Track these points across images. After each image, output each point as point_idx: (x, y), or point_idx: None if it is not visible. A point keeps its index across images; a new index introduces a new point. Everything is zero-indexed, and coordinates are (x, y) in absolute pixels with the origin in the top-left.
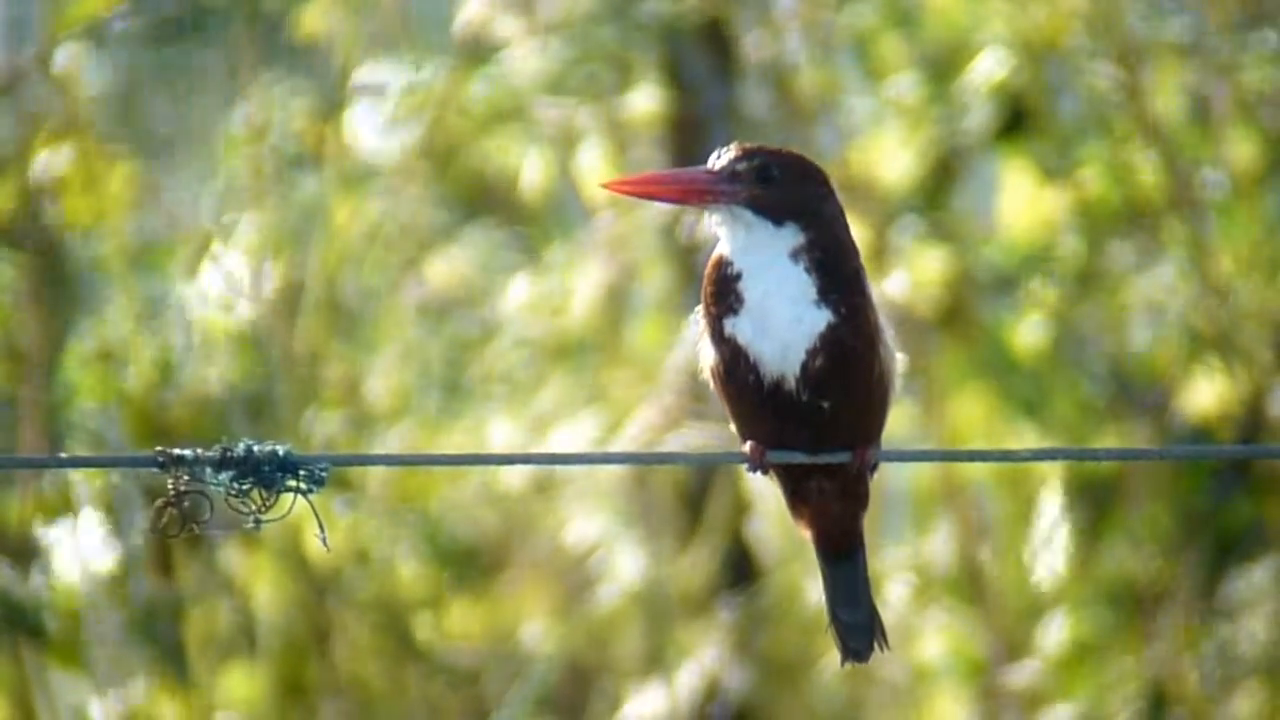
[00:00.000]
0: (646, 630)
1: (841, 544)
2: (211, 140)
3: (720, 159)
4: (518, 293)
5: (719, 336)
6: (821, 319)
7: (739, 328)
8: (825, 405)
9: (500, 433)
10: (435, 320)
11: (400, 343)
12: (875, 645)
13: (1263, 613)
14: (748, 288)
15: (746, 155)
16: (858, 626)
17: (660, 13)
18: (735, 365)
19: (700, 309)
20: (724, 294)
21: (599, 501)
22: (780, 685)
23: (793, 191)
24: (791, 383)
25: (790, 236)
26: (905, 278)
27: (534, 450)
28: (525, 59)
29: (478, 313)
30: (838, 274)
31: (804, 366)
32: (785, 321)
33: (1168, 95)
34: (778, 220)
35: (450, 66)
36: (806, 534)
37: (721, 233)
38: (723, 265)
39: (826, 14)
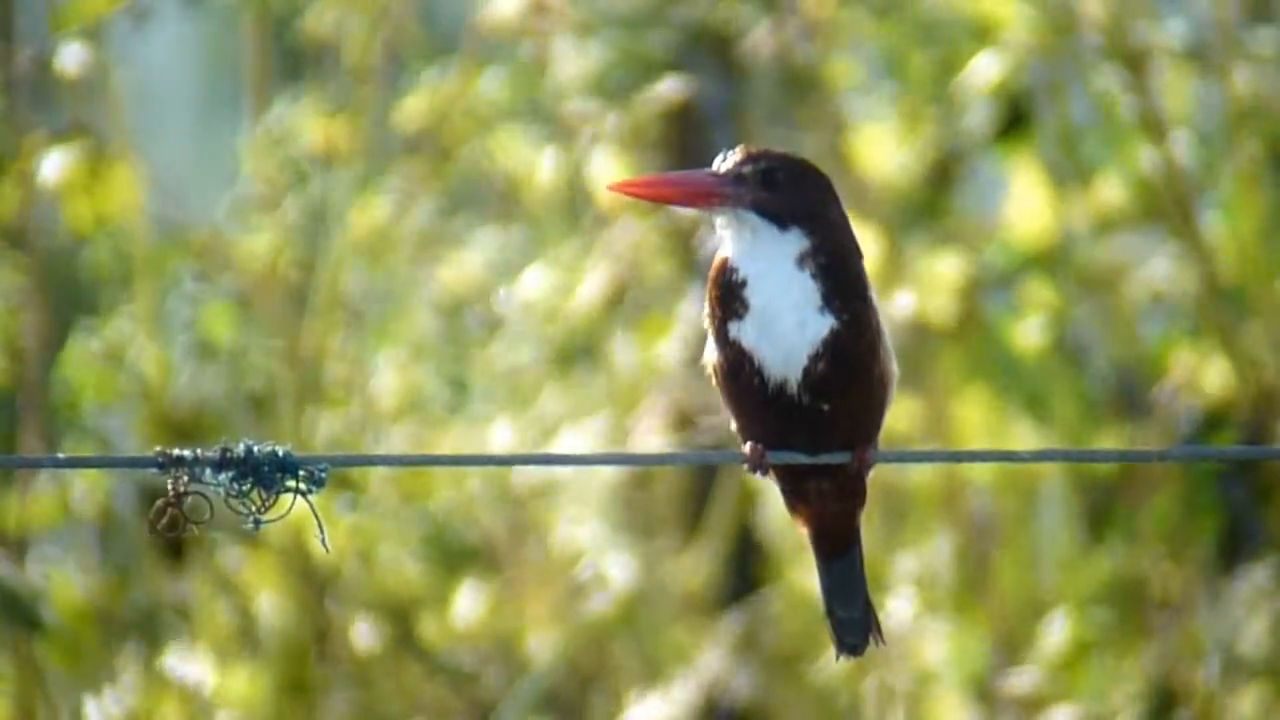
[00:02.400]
0: (647, 633)
1: (838, 541)
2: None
3: (725, 162)
4: (528, 286)
5: (723, 339)
6: (825, 325)
7: (743, 332)
8: (826, 408)
9: (502, 435)
10: (445, 319)
11: (407, 342)
12: (870, 640)
13: (1265, 612)
14: (752, 292)
15: (752, 158)
16: (853, 622)
17: (689, 16)
18: (739, 368)
19: (705, 311)
20: (728, 298)
21: (594, 505)
22: (783, 686)
23: (797, 196)
24: (794, 386)
25: (795, 241)
26: (916, 286)
27: (535, 451)
28: (554, 59)
29: (483, 311)
30: (842, 279)
31: (806, 371)
32: (789, 327)
33: (1174, 95)
34: (782, 224)
35: (460, 66)
36: (804, 532)
37: (726, 236)
38: (727, 269)
39: (829, 13)
